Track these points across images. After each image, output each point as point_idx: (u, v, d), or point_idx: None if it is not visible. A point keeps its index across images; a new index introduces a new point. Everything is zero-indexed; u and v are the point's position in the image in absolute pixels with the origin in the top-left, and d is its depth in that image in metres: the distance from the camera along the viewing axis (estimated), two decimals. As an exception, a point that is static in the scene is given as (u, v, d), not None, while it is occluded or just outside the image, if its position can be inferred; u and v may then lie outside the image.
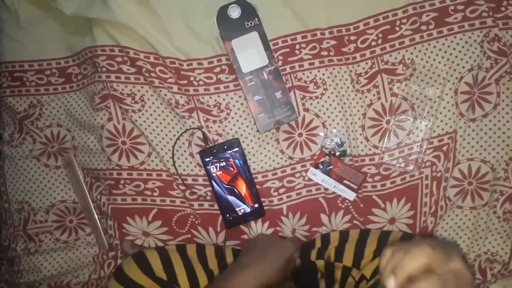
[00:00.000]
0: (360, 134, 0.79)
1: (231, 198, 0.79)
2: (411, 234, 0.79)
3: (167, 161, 0.80)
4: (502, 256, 0.79)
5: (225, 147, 0.78)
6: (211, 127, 0.80)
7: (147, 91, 0.80)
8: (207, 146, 0.79)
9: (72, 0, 0.78)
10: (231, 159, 0.79)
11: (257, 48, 0.77)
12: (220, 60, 0.79)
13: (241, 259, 0.69)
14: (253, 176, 0.80)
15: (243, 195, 0.79)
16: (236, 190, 0.79)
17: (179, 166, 0.80)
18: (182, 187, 0.81)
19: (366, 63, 0.78)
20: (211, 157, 0.78)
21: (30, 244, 0.88)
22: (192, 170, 0.81)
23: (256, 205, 0.80)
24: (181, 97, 0.80)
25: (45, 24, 0.85)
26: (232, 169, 0.79)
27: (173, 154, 0.80)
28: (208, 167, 0.79)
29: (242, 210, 0.80)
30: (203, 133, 0.79)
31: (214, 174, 0.79)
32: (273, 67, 0.77)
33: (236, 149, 0.79)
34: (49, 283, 0.87)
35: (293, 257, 0.71)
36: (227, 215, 0.80)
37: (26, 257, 0.88)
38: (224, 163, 0.79)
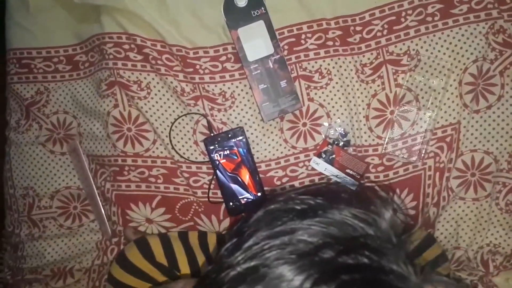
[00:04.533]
0: (364, 125, 0.79)
1: (234, 186, 0.80)
2: (413, 225, 0.79)
3: (172, 148, 0.81)
4: (504, 248, 0.79)
5: (230, 135, 0.79)
6: (216, 116, 0.81)
7: (153, 78, 0.81)
8: (212, 134, 0.80)
9: (81, -13, 0.79)
10: (235, 148, 0.79)
11: (263, 37, 0.77)
12: (226, 48, 0.80)
13: None
14: (257, 165, 0.80)
15: (246, 183, 0.80)
16: (239, 179, 0.80)
17: (184, 153, 0.81)
18: (186, 175, 0.81)
19: (371, 54, 0.79)
20: (215, 145, 0.79)
21: (34, 229, 0.89)
22: (196, 158, 0.81)
23: (259, 194, 0.80)
24: (186, 85, 0.80)
25: (54, 11, 0.86)
26: (236, 157, 0.79)
27: (169, 133, 0.80)
28: (212, 155, 0.79)
29: (245, 199, 0.80)
30: (208, 121, 0.80)
31: (218, 162, 0.79)
32: (279, 56, 0.77)
33: (240, 137, 0.79)
34: (52, 269, 0.87)
35: None
36: (230, 203, 0.80)
37: (30, 242, 0.89)
38: (228, 152, 0.79)
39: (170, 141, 0.80)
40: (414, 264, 0.35)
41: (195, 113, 0.80)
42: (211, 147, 0.79)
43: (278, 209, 0.39)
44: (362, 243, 0.34)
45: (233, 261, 0.36)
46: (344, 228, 0.36)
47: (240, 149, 0.79)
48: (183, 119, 0.81)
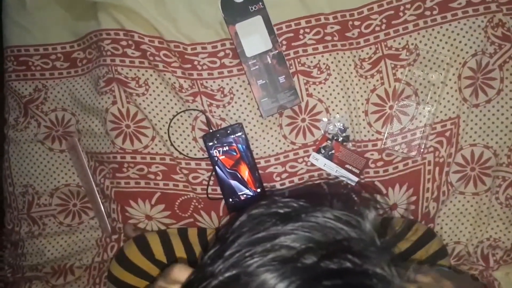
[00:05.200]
0: (363, 120, 0.79)
1: (233, 182, 0.80)
2: (413, 220, 0.79)
3: (171, 145, 0.81)
4: (504, 242, 0.79)
5: (228, 131, 0.79)
6: (215, 112, 0.81)
7: (151, 75, 0.81)
8: (210, 131, 0.79)
9: (78, -16, 0.79)
10: (234, 144, 0.79)
11: (261, 32, 0.77)
12: (224, 44, 0.79)
13: None
14: (256, 161, 0.80)
15: (246, 179, 0.80)
16: (238, 175, 0.80)
17: (183, 150, 0.81)
18: (185, 172, 0.81)
19: (370, 48, 0.78)
20: (214, 142, 0.79)
21: (34, 227, 0.89)
22: (195, 155, 0.81)
23: (259, 190, 0.80)
24: (185, 81, 0.80)
25: (51, 9, 0.86)
26: (235, 153, 0.79)
27: (168, 130, 0.80)
28: (211, 152, 0.79)
29: (245, 195, 0.80)
30: (206, 117, 0.80)
31: (217, 159, 0.79)
32: (277, 51, 0.77)
33: (239, 133, 0.79)
34: (52, 266, 0.87)
35: None
36: (230, 200, 0.80)
37: (30, 240, 0.89)
38: (227, 148, 0.79)
39: (169, 137, 0.80)
40: (399, 265, 0.35)
41: (194, 109, 0.80)
42: (210, 144, 0.79)
43: (262, 214, 0.39)
44: (345, 247, 0.34)
45: (215, 270, 0.35)
46: (327, 231, 0.35)
47: (239, 145, 0.79)
48: (181, 116, 0.80)
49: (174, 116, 0.80)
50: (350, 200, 0.41)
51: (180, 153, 0.80)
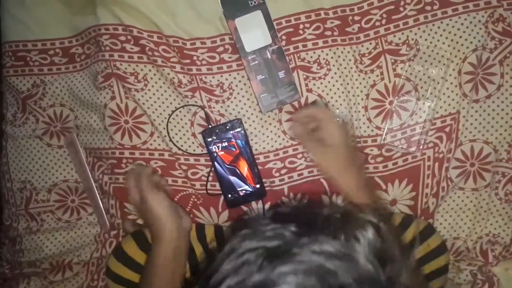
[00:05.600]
0: (363, 115, 0.79)
1: (232, 178, 0.79)
2: (412, 216, 0.79)
3: (170, 140, 0.80)
4: (503, 238, 0.79)
5: (228, 127, 0.78)
6: (214, 107, 0.80)
7: (150, 70, 0.80)
8: (209, 126, 0.79)
9: (76, -22, 0.78)
10: (233, 140, 0.79)
11: (261, 27, 0.76)
12: (223, 39, 0.79)
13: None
14: (255, 156, 0.80)
15: (245, 175, 0.79)
16: (238, 171, 0.79)
17: (181, 146, 0.80)
18: (184, 167, 0.81)
19: (370, 44, 0.78)
20: (214, 137, 0.78)
21: (32, 223, 0.89)
22: (194, 150, 0.81)
23: (258, 186, 0.79)
24: (184, 76, 0.80)
25: (49, 4, 0.85)
26: (234, 149, 0.79)
27: (167, 126, 0.80)
28: (210, 147, 0.79)
29: (244, 191, 0.80)
30: (206, 113, 0.79)
31: (216, 154, 0.79)
32: (277, 46, 0.77)
33: (239, 129, 0.78)
34: (51, 262, 0.87)
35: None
36: (229, 196, 0.80)
37: (28, 236, 0.88)
38: (226, 143, 0.79)
39: (168, 133, 0.80)
40: None
41: (193, 105, 0.79)
42: (209, 139, 0.78)
43: (247, 250, 0.36)
44: None
45: None
46: (321, 274, 0.33)
47: (239, 141, 0.79)
48: (180, 111, 0.80)
49: (173, 112, 0.80)
50: (344, 221, 0.38)
51: (179, 148, 0.80)
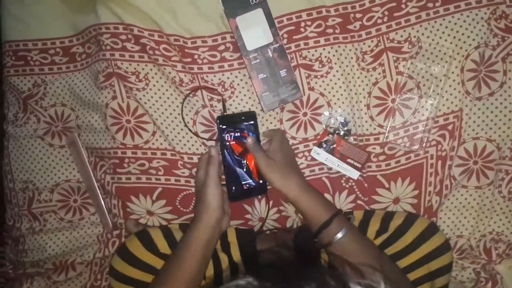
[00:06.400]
0: (365, 113, 0.79)
1: (239, 170, 0.78)
2: (415, 214, 0.78)
3: (172, 139, 0.80)
4: (507, 236, 0.79)
5: (243, 118, 0.76)
6: (216, 106, 0.80)
7: (151, 69, 0.80)
8: (225, 114, 0.78)
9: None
10: (246, 131, 0.77)
11: (262, 25, 0.76)
12: (225, 38, 0.79)
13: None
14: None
15: (251, 169, 0.78)
16: (245, 163, 0.78)
17: (184, 145, 0.80)
18: (188, 166, 0.81)
19: (372, 41, 0.78)
20: (227, 125, 0.76)
21: (35, 223, 0.89)
22: (197, 149, 0.81)
23: (261, 181, 0.78)
24: (185, 75, 0.79)
25: (49, 3, 0.85)
26: (245, 141, 0.77)
27: (182, 111, 0.80)
28: (223, 135, 0.76)
29: (247, 184, 0.78)
30: (223, 100, 0.78)
31: (227, 143, 0.77)
32: (278, 44, 0.76)
33: (252, 122, 0.76)
34: (53, 262, 0.87)
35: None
36: (233, 187, 0.78)
37: (31, 236, 0.88)
38: (239, 134, 0.77)
39: (183, 118, 0.80)
40: None
41: (210, 87, 0.79)
42: (223, 126, 0.76)
43: None
44: None
45: None
46: None
47: (251, 134, 0.77)
48: (185, 107, 0.79)
49: (187, 96, 0.79)
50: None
51: (194, 133, 0.80)
